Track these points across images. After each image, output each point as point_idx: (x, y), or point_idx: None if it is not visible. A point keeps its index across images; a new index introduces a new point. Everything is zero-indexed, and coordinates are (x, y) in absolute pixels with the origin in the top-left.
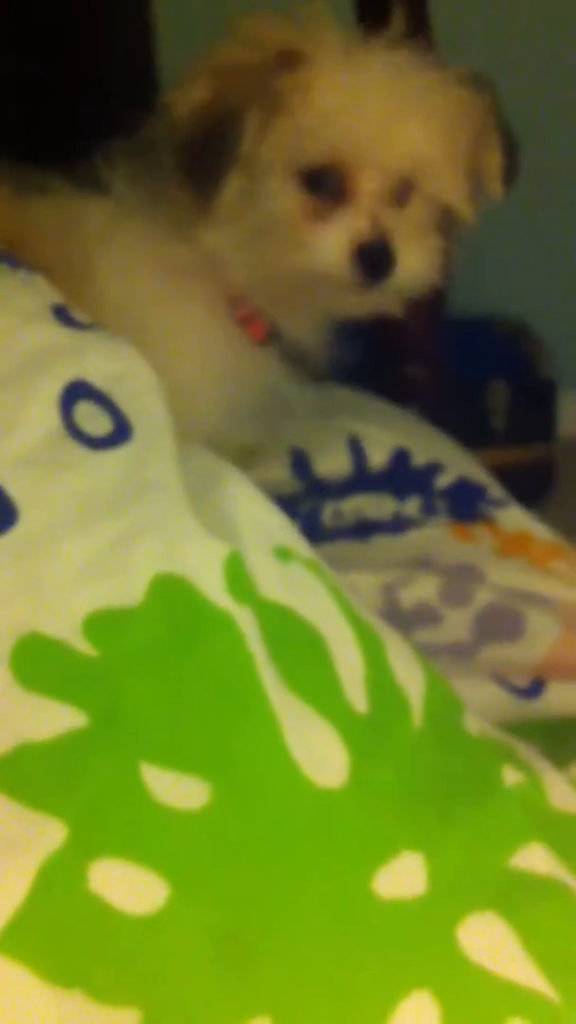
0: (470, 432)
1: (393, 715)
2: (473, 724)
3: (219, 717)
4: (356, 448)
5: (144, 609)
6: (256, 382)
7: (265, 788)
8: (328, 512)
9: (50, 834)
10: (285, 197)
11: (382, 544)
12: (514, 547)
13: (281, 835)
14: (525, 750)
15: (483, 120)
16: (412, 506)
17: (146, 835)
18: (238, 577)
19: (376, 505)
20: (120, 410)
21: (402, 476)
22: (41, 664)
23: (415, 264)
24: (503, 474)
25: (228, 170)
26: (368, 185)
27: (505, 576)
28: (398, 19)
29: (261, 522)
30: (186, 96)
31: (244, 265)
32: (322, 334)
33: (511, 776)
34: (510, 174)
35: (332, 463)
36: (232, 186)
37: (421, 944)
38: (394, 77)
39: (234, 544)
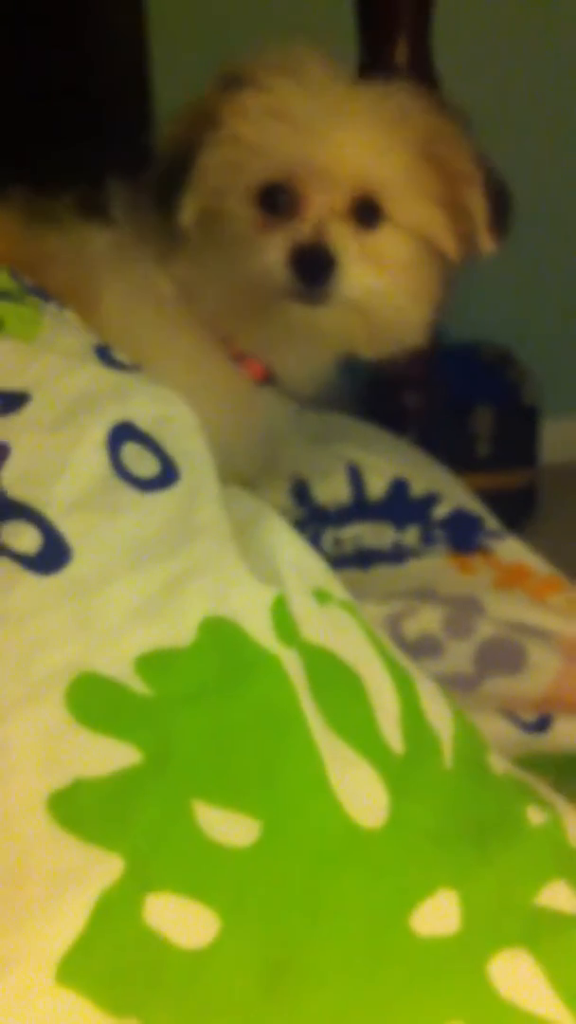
0: (455, 457)
1: (427, 755)
2: (498, 763)
3: (267, 756)
4: (355, 476)
5: (194, 650)
6: (256, 418)
7: (311, 826)
8: (329, 540)
9: (107, 867)
10: (240, 216)
11: (383, 574)
12: (512, 579)
13: (326, 872)
14: (543, 787)
15: (452, 148)
16: (411, 536)
17: (199, 870)
18: (283, 620)
19: (375, 534)
20: (166, 452)
21: (401, 506)
22: (96, 702)
23: (364, 278)
24: (487, 499)
25: (181, 194)
26: (316, 198)
27: (505, 609)
28: (400, 49)
29: (301, 564)
30: (165, 131)
31: (213, 295)
32: (319, 374)
33: (536, 815)
34: (500, 224)
35: (331, 490)
36: (189, 209)
37: (455, 979)
38: (332, 90)
39: (279, 587)
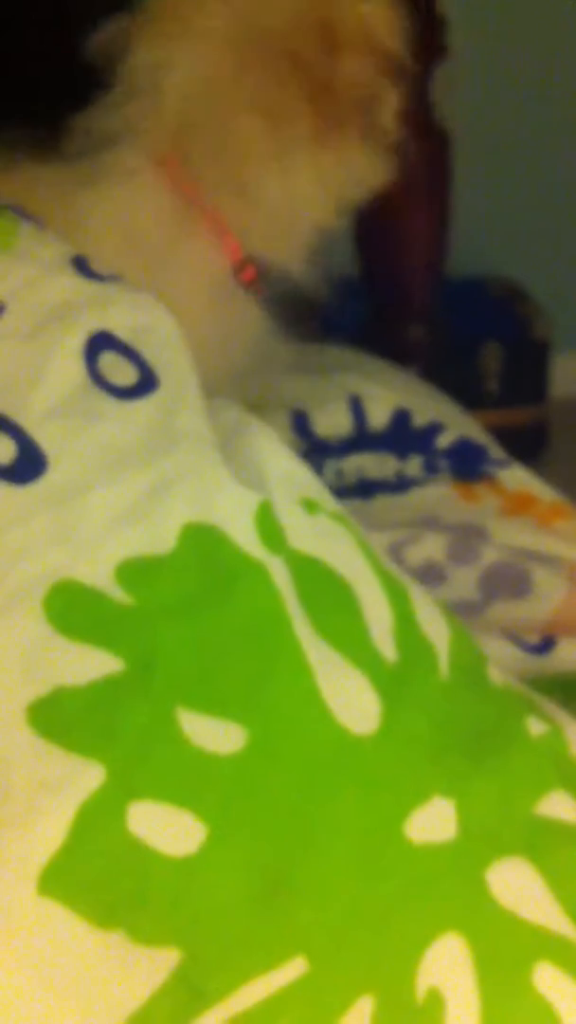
0: (463, 394)
1: (421, 664)
2: (497, 676)
3: (254, 664)
4: (356, 407)
5: (176, 557)
6: (248, 331)
7: (299, 733)
8: (330, 471)
9: (88, 776)
10: None
11: (385, 503)
12: (518, 506)
13: (315, 779)
14: (545, 703)
15: None
16: (414, 465)
17: (184, 778)
18: (269, 527)
19: (378, 464)
20: (145, 361)
21: (403, 436)
22: (75, 610)
23: None
24: (496, 435)
25: None
26: None
27: (511, 535)
28: None
29: (288, 474)
30: None
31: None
32: (307, 257)
33: (535, 726)
34: None
35: (332, 421)
36: None
37: (452, 887)
38: None
39: (264, 494)
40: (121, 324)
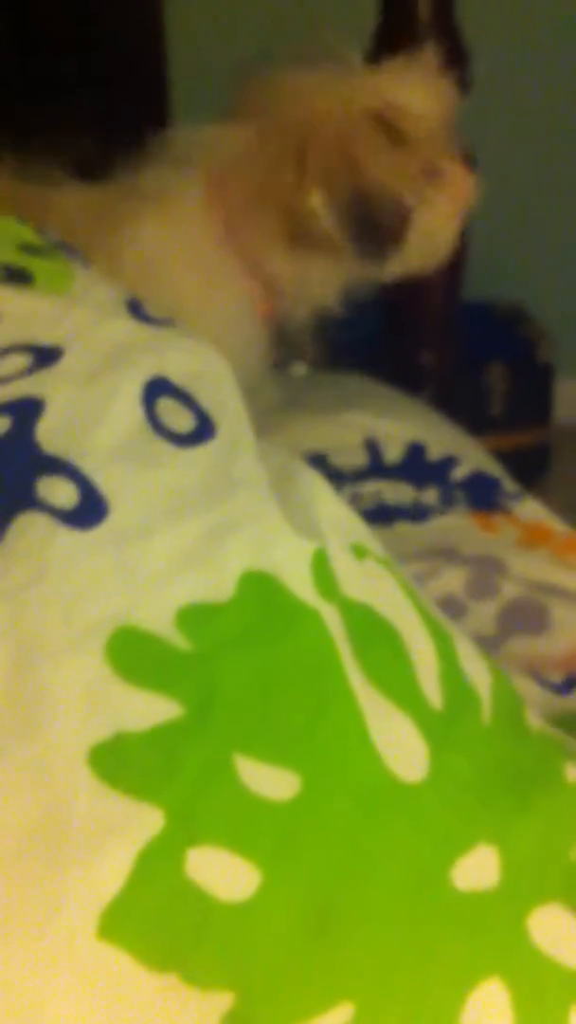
0: (467, 415)
1: (466, 710)
2: (534, 720)
3: (308, 711)
4: (372, 447)
5: (235, 604)
6: (254, 362)
7: (351, 780)
8: (346, 495)
9: (148, 820)
10: None
11: (405, 531)
12: (535, 538)
13: (365, 827)
14: None
15: None
16: (430, 495)
17: (240, 823)
18: (323, 575)
19: (395, 491)
20: (201, 406)
21: (419, 468)
22: (136, 655)
23: None
24: (500, 457)
25: None
26: None
27: (529, 568)
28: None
29: (338, 519)
30: None
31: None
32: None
33: (572, 772)
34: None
35: (348, 460)
36: None
37: (494, 933)
38: None
39: (318, 541)
40: (177, 369)
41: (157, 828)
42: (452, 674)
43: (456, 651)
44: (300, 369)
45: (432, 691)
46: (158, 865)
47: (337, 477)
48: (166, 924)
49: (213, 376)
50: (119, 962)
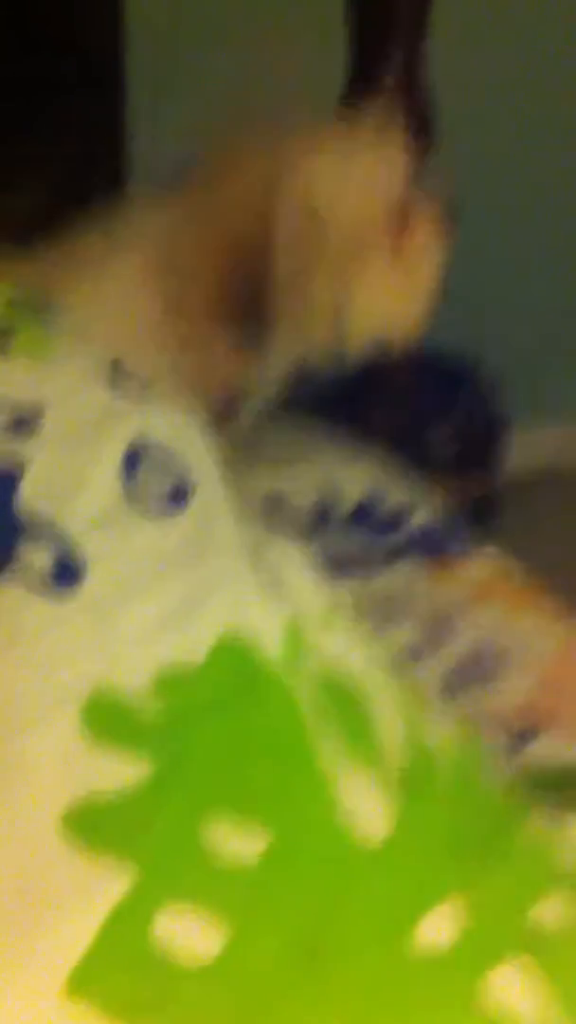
0: (416, 465)
1: (428, 771)
2: (493, 778)
3: (276, 772)
4: (328, 494)
5: (208, 667)
6: None
7: (318, 841)
8: (303, 544)
9: (119, 880)
10: None
11: (359, 582)
12: (488, 591)
13: (331, 888)
14: (533, 804)
15: None
16: (384, 548)
17: (208, 883)
18: (294, 640)
19: (347, 544)
20: (179, 471)
21: (374, 518)
22: (111, 717)
23: None
24: (449, 508)
25: None
26: None
27: (480, 622)
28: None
29: (308, 586)
30: None
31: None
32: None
33: (529, 831)
34: None
35: (303, 508)
36: None
37: (456, 990)
38: None
39: (289, 607)
40: (156, 435)
41: (127, 887)
42: (416, 734)
43: (419, 711)
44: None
45: (397, 751)
46: (127, 924)
47: (294, 522)
48: (133, 983)
49: (191, 441)
50: (89, 1017)
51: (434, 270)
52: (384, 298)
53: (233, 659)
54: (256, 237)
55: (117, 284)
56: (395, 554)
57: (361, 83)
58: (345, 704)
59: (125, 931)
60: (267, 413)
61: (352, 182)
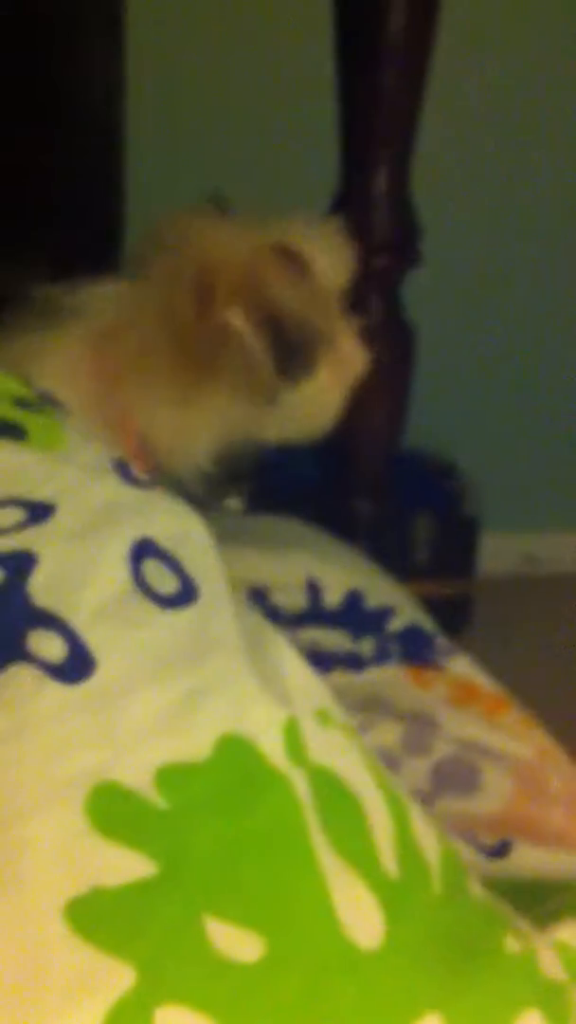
0: (392, 563)
1: (418, 879)
2: (477, 890)
3: (276, 875)
4: (312, 587)
5: (211, 765)
6: None
7: (314, 946)
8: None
9: (120, 977)
10: None
11: (341, 680)
12: (466, 697)
13: (325, 992)
14: (514, 915)
15: None
16: (367, 646)
17: (206, 982)
18: (294, 741)
19: (332, 638)
20: (184, 570)
21: (356, 616)
22: (114, 811)
23: None
24: (422, 607)
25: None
26: None
27: (459, 727)
28: (380, 178)
29: (305, 685)
30: None
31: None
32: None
33: (512, 943)
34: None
35: (289, 600)
36: None
37: None
38: None
39: (289, 707)
40: (162, 531)
41: (128, 984)
42: (406, 842)
43: (410, 819)
44: (235, 504)
45: (388, 859)
46: (127, 1022)
47: (275, 616)
48: None
49: (195, 539)
50: None
51: (352, 380)
52: (328, 388)
53: (235, 758)
54: (241, 280)
55: (53, 365)
56: (380, 655)
57: (351, 193)
58: (341, 806)
59: None
60: (250, 500)
61: (326, 262)
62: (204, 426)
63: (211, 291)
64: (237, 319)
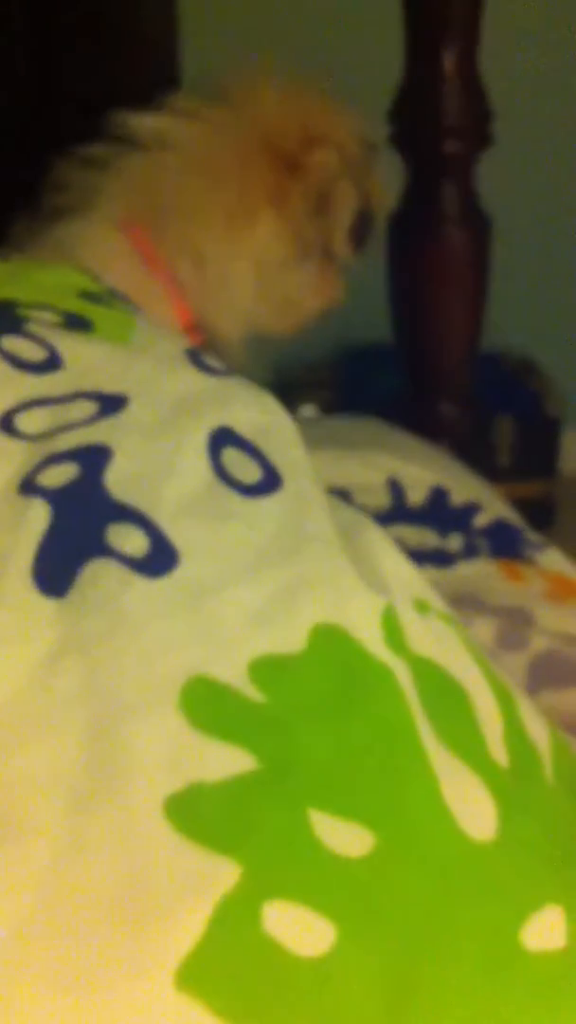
0: (474, 466)
1: (530, 770)
2: None
3: (383, 768)
4: (395, 487)
5: (307, 656)
6: None
7: (425, 839)
8: None
9: (225, 874)
10: None
11: (431, 577)
12: (563, 591)
13: (438, 886)
14: None
15: None
16: (454, 542)
17: (316, 879)
18: (393, 630)
19: (418, 536)
20: (267, 459)
21: (441, 513)
22: (210, 706)
23: None
24: None
25: None
26: None
27: (558, 621)
28: (448, 58)
29: (402, 574)
30: None
31: None
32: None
33: None
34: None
35: (372, 500)
36: None
37: (564, 995)
38: None
39: (386, 596)
40: (242, 421)
41: (234, 881)
42: (516, 732)
43: (518, 708)
44: (308, 411)
45: (498, 750)
46: (235, 918)
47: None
48: (244, 977)
49: (278, 429)
50: (197, 1014)
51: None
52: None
53: (332, 648)
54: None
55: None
56: (468, 550)
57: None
58: (447, 697)
59: (234, 925)
60: (328, 407)
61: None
62: (244, 273)
63: (314, 134)
64: (334, 160)
